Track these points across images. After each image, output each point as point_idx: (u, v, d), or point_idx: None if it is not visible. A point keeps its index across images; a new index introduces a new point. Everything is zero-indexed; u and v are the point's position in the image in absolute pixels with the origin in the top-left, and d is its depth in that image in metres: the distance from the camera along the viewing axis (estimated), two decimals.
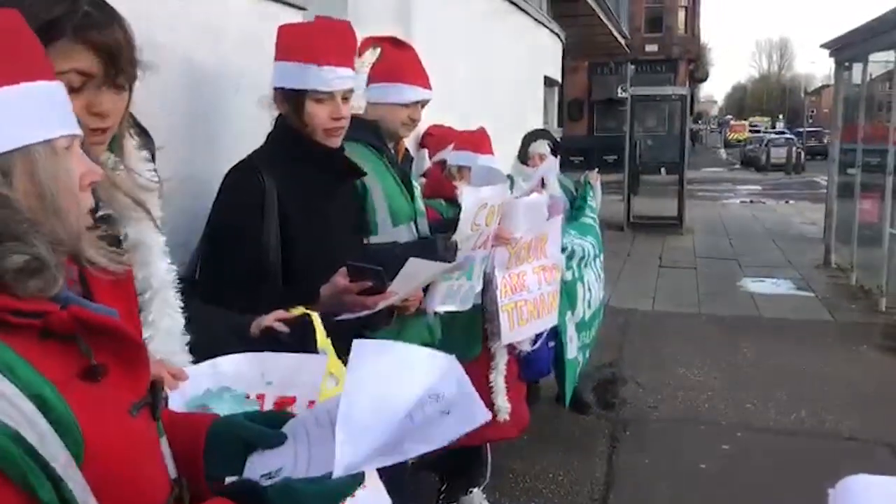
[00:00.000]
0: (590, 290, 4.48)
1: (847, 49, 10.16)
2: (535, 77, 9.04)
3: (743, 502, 3.91)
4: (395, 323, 2.44)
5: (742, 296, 8.65)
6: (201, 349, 1.59)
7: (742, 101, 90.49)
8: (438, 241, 2.63)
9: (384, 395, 1.02)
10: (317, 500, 0.96)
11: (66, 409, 0.80)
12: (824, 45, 10.79)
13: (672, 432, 4.80)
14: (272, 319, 1.83)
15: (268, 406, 1.40)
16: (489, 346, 3.38)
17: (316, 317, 1.79)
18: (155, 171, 1.56)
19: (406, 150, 3.09)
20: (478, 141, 3.68)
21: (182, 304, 1.60)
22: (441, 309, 2.83)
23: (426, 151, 4.11)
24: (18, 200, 0.81)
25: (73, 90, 1.23)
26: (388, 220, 2.70)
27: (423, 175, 3.90)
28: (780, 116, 67.02)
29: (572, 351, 4.19)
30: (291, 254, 2.12)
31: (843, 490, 0.99)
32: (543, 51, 9.55)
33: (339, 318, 2.00)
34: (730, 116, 71.43)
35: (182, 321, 1.58)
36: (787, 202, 18.89)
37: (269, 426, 1.12)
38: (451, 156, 3.65)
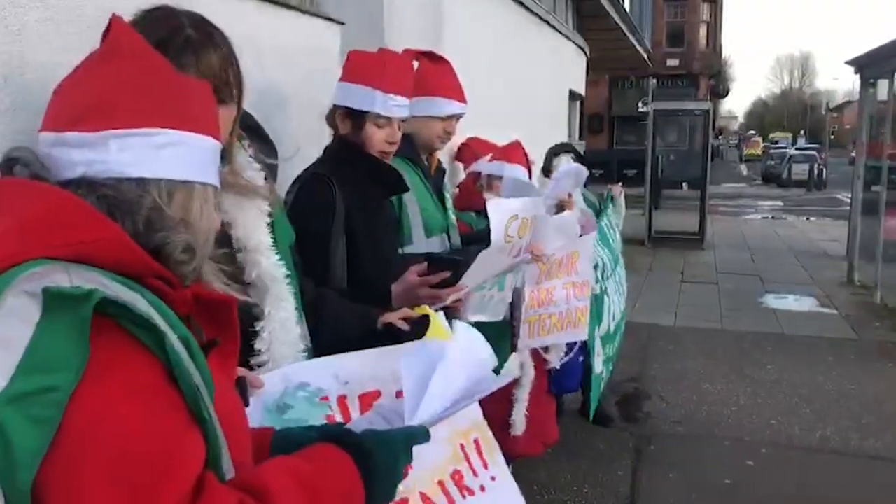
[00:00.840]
0: (613, 302, 4.51)
1: (873, 66, 10.14)
2: (560, 91, 9.09)
3: None
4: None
5: (764, 312, 8.63)
6: (330, 336, 1.79)
7: (762, 117, 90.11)
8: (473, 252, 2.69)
9: (442, 373, 1.19)
10: (400, 438, 1.14)
11: (204, 360, 0.93)
12: (850, 62, 10.78)
13: (696, 447, 4.81)
14: (396, 317, 2.02)
15: (353, 403, 1.49)
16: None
17: (436, 316, 1.88)
18: (266, 179, 1.68)
19: (439, 161, 3.15)
20: (509, 152, 3.71)
21: (301, 296, 1.79)
22: (473, 319, 2.87)
23: (461, 165, 4.16)
24: (170, 216, 0.99)
25: None
26: (421, 231, 2.77)
27: (458, 186, 3.95)
28: (802, 132, 66.65)
29: (598, 366, 4.21)
30: (353, 260, 2.26)
31: None
32: (569, 65, 9.61)
33: None
34: (752, 132, 71.05)
35: (294, 312, 1.72)
36: (808, 219, 18.80)
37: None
38: (485, 166, 3.70)
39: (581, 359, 3.90)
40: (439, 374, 1.16)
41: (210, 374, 0.93)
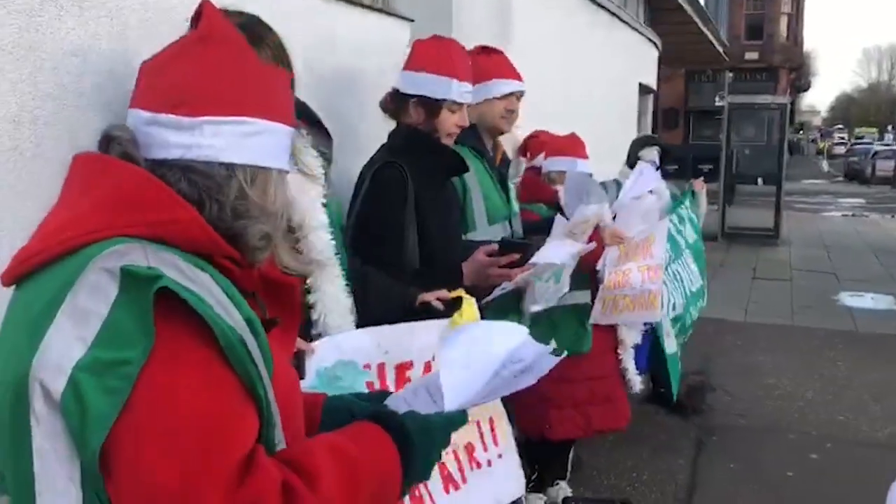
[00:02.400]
0: (675, 289, 4.59)
1: None
2: (630, 85, 9.07)
3: None
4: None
5: (839, 309, 8.46)
6: (374, 311, 1.94)
7: (847, 112, 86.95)
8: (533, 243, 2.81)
9: (477, 356, 1.23)
10: (440, 425, 1.18)
11: (265, 338, 1.01)
12: None
13: (759, 440, 4.81)
14: (433, 297, 2.15)
15: (389, 371, 1.64)
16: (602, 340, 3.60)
17: (469, 300, 2.08)
18: (322, 165, 1.85)
19: (504, 153, 3.25)
20: (575, 146, 3.69)
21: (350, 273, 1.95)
22: (534, 309, 3.01)
23: (523, 160, 4.25)
24: (253, 199, 1.06)
25: None
26: (484, 218, 2.89)
27: (519, 179, 4.04)
28: (890, 128, 64.07)
29: (671, 345, 4.30)
30: (424, 242, 2.40)
31: None
32: (639, 58, 9.57)
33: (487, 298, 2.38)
34: (840, 126, 68.59)
35: (344, 286, 1.89)
36: (892, 216, 18.16)
37: (372, 403, 1.32)
38: (549, 162, 3.67)
39: (647, 342, 4.02)
40: (476, 362, 1.21)
41: (270, 352, 1.00)
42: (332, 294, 1.84)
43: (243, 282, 1.05)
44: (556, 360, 1.23)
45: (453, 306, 2.10)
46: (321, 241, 1.81)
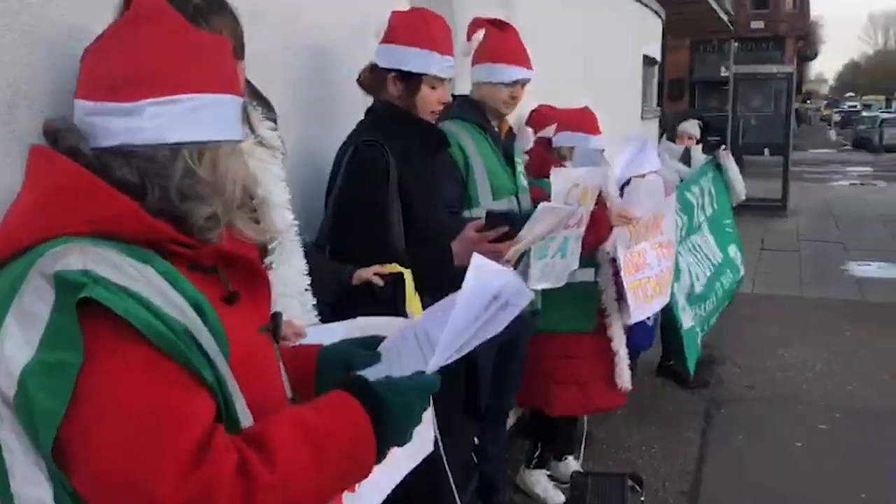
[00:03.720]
0: (690, 262, 4.55)
1: None
2: (634, 56, 8.99)
3: (837, 480, 3.91)
4: None
5: (847, 279, 8.43)
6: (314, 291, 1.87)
7: (854, 80, 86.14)
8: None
9: (461, 310, 1.20)
10: (413, 390, 1.16)
11: (216, 318, 1.02)
12: None
13: (768, 411, 4.81)
14: (371, 273, 2.10)
15: None
16: (605, 319, 3.52)
17: (408, 274, 2.06)
18: (279, 136, 1.78)
19: (510, 128, 3.22)
20: (586, 121, 3.56)
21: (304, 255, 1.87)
22: (538, 286, 2.98)
23: (530, 130, 4.20)
24: (202, 176, 1.06)
25: None
26: (489, 194, 2.87)
27: (527, 153, 4.00)
28: None
29: (687, 320, 4.27)
30: (408, 222, 2.31)
31: None
32: (642, 29, 9.47)
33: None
34: (852, 94, 67.95)
35: (302, 269, 1.83)
36: None
37: (365, 349, 1.34)
38: (559, 137, 3.54)
39: (653, 319, 3.96)
40: (453, 319, 1.18)
41: (223, 331, 1.02)
42: (283, 275, 1.76)
43: (200, 259, 1.06)
44: (531, 294, 1.24)
45: (396, 284, 2.07)
46: (283, 220, 1.75)
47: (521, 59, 2.94)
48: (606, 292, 3.46)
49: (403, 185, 2.28)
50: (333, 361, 1.33)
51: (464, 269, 1.22)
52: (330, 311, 2.00)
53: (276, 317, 1.25)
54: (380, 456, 1.12)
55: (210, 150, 1.07)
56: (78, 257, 0.94)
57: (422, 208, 2.34)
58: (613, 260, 3.36)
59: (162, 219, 1.03)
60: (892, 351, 5.85)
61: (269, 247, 1.68)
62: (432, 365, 1.19)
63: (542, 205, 2.45)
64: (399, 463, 1.75)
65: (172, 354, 0.94)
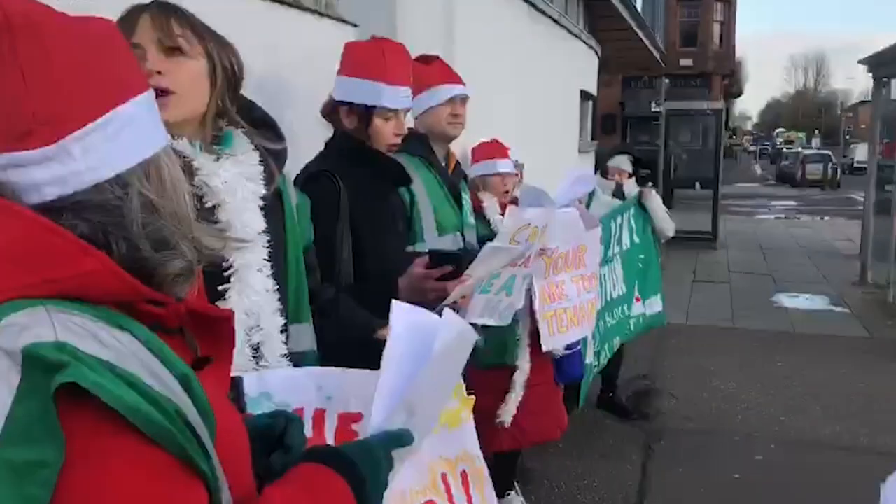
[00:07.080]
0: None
1: (885, 65, 10.13)
2: (571, 91, 9.14)
3: None
4: None
5: (776, 311, 8.65)
6: (335, 338, 1.83)
7: (777, 118, 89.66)
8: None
9: (392, 362, 1.16)
10: (380, 446, 1.09)
11: (205, 396, 0.85)
12: (862, 61, 10.77)
13: (706, 442, 4.86)
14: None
15: (329, 420, 1.41)
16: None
17: None
18: (265, 161, 1.65)
19: (458, 163, 3.20)
20: (493, 148, 3.74)
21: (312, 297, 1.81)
22: (479, 321, 2.93)
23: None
24: (162, 204, 0.88)
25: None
26: (433, 228, 2.82)
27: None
28: (816, 132, 66.28)
29: (589, 355, 4.28)
30: (359, 257, 2.26)
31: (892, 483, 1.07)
32: (580, 65, 9.66)
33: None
34: (783, 129, 70.45)
35: (268, 278, 1.62)
36: (822, 218, 18.75)
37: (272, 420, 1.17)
38: (472, 169, 3.70)
39: (580, 348, 3.96)
40: (386, 373, 1.12)
41: (209, 405, 0.85)
42: (256, 287, 1.58)
43: (168, 320, 0.89)
44: (476, 336, 1.18)
45: None
46: (257, 222, 1.58)
47: (452, 78, 2.95)
48: (521, 323, 3.42)
49: (356, 218, 2.24)
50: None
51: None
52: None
53: (237, 382, 1.09)
54: None
55: (153, 166, 0.89)
56: (47, 326, 0.75)
57: (372, 243, 2.29)
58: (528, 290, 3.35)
59: (130, 274, 0.84)
60: (821, 382, 6.00)
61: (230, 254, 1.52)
62: (374, 420, 1.11)
63: (487, 245, 2.41)
64: None
65: (169, 447, 0.77)
